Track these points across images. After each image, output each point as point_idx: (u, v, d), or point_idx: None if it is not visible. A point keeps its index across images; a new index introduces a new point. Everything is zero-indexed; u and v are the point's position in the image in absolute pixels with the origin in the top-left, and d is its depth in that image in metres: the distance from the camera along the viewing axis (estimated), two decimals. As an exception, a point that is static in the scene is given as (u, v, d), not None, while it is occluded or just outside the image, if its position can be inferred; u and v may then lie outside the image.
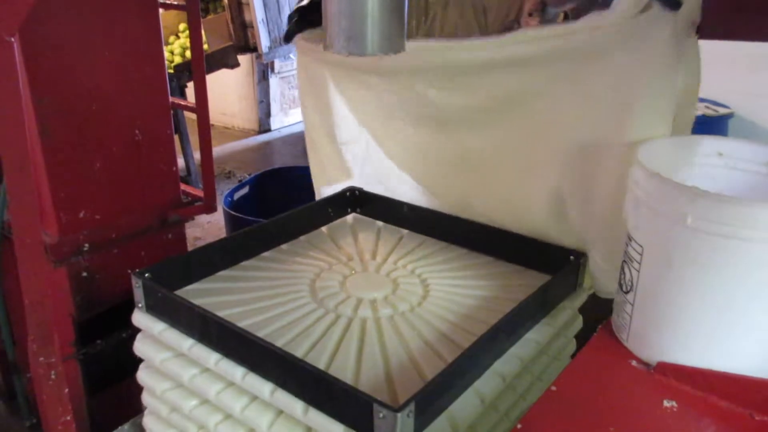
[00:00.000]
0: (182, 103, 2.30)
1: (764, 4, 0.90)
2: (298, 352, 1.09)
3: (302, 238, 1.56)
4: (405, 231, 1.60)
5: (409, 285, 1.36)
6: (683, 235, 0.90)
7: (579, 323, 1.28)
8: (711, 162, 1.09)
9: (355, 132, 1.68)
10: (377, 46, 1.07)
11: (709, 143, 1.09)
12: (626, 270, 1.02)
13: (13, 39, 1.15)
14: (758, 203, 0.86)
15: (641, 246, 0.97)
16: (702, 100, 3.44)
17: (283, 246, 1.52)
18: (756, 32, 0.99)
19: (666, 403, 0.92)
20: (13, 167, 1.26)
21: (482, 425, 1.02)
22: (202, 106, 2.03)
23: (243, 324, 1.14)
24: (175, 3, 2.16)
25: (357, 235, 1.60)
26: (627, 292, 1.02)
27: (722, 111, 3.33)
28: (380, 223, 1.65)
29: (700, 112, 3.31)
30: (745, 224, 0.85)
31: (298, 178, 3.53)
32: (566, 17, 1.54)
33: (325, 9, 1.09)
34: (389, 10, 1.08)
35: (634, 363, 1.01)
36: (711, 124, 3.29)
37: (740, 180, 1.08)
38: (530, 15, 1.59)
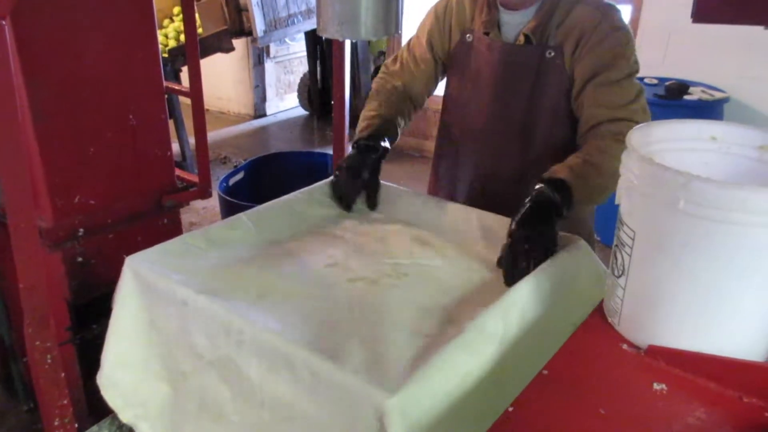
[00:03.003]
0: (176, 87, 2.29)
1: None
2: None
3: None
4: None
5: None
6: (675, 219, 0.90)
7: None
8: (704, 146, 1.09)
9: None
10: (371, 31, 1.07)
11: (702, 127, 1.09)
12: (618, 255, 1.03)
13: (4, 22, 1.14)
14: (749, 187, 0.86)
15: (633, 231, 0.98)
16: (698, 84, 3.44)
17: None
18: (748, 15, 0.98)
19: (656, 386, 0.93)
20: (7, 152, 1.25)
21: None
22: (196, 91, 2.02)
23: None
24: (169, -14, 2.15)
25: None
26: (619, 277, 1.03)
27: (718, 95, 3.34)
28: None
29: (696, 97, 3.31)
30: (736, 208, 0.86)
31: (293, 163, 3.54)
32: (527, 39, 1.51)
33: (318, -7, 1.08)
34: (383, -6, 1.07)
35: (625, 346, 1.02)
36: (707, 108, 3.30)
37: (733, 164, 1.08)
38: (486, 34, 1.56)
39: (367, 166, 1.56)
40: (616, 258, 1.04)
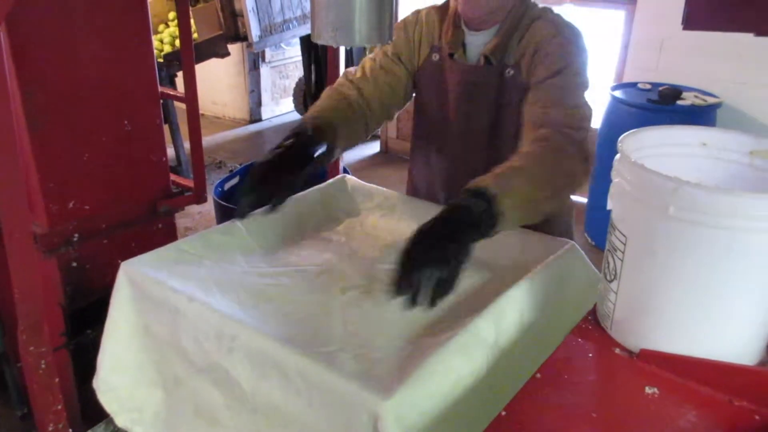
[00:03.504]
0: (171, 93, 2.29)
1: (746, -5, 0.91)
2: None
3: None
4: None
5: None
6: (666, 224, 0.91)
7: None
8: (695, 152, 1.11)
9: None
10: (365, 38, 1.08)
11: (692, 133, 1.10)
12: (610, 259, 1.04)
13: (-1, 29, 1.14)
14: (738, 193, 0.87)
15: (625, 236, 0.99)
16: (690, 89, 3.47)
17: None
18: (739, 23, 1.00)
19: (648, 390, 0.94)
20: (2, 159, 1.26)
21: None
22: (191, 97, 2.03)
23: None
24: (164, -8, 2.15)
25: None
26: (611, 281, 1.04)
27: (710, 100, 3.36)
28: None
29: (689, 102, 3.33)
30: (725, 214, 0.86)
31: (289, 167, 3.53)
32: (487, 61, 1.51)
33: (312, 0, 1.09)
34: (377, 1, 1.08)
35: (617, 350, 1.03)
36: (700, 113, 3.32)
37: (724, 169, 1.09)
38: (451, 56, 1.55)
39: (294, 161, 1.39)
40: (608, 262, 1.05)
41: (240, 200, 1.34)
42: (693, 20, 1.00)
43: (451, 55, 1.55)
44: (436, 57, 1.58)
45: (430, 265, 1.04)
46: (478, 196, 1.13)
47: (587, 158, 1.34)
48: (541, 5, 1.53)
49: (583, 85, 1.42)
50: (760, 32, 1.01)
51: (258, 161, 1.38)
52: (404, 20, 1.66)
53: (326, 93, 1.62)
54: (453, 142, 1.63)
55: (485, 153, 1.59)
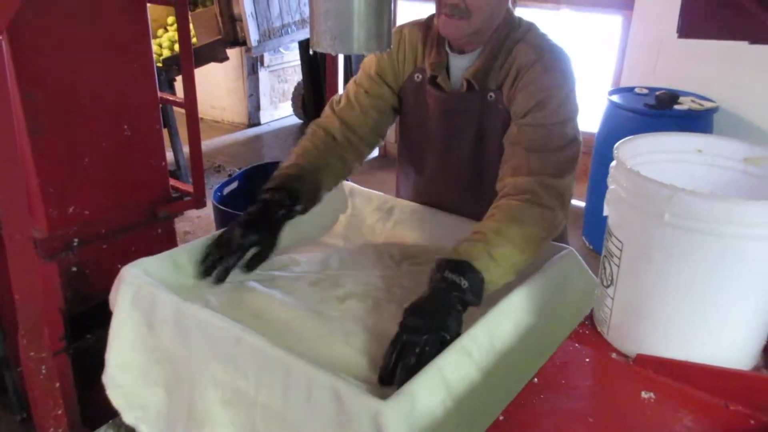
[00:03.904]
0: (171, 98, 2.30)
1: (740, 4, 0.92)
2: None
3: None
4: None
5: None
6: (661, 230, 0.92)
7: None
8: (690, 158, 1.12)
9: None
10: (363, 45, 1.09)
11: (688, 140, 1.11)
12: (607, 265, 1.05)
13: (1, 37, 1.15)
14: (732, 200, 0.88)
15: (621, 242, 1.00)
16: (688, 94, 3.48)
17: None
18: (734, 31, 1.01)
19: (644, 394, 0.95)
20: (2, 163, 1.26)
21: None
22: (190, 102, 2.04)
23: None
24: (164, -2, 2.16)
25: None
26: (607, 287, 1.05)
27: (708, 105, 3.38)
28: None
29: (686, 106, 3.35)
30: (720, 220, 0.88)
31: (288, 172, 3.54)
32: (469, 85, 1.46)
33: (311, 8, 1.10)
34: (375, 9, 1.09)
35: (614, 355, 1.04)
36: (696, 118, 3.34)
37: (719, 176, 1.11)
38: (434, 79, 1.49)
39: (267, 223, 1.39)
40: (604, 268, 1.06)
41: (219, 263, 1.35)
42: (688, 29, 1.01)
43: (434, 78, 1.50)
44: (418, 77, 1.53)
45: (422, 347, 1.06)
46: (464, 271, 1.16)
47: (565, 205, 1.34)
48: (526, 22, 1.48)
49: (568, 117, 1.38)
50: (754, 40, 1.02)
51: (232, 225, 1.39)
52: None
53: (310, 131, 1.59)
54: (434, 164, 1.60)
55: (468, 175, 1.57)
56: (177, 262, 1.37)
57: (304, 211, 1.45)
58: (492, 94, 1.45)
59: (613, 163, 1.01)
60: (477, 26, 1.40)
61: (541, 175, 1.31)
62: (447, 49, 1.50)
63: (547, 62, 1.39)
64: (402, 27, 1.58)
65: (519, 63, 1.40)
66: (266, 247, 1.39)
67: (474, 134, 1.50)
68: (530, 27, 1.47)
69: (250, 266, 1.39)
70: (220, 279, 1.35)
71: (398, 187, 1.82)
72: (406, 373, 1.03)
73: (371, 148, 1.64)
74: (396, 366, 1.05)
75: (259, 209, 1.40)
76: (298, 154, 1.52)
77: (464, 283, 1.15)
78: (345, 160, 1.56)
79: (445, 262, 1.19)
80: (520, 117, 1.39)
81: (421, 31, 1.54)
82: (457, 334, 1.10)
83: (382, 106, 1.58)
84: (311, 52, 5.22)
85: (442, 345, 1.07)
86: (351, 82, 1.63)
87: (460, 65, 1.49)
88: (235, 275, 1.39)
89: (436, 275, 1.18)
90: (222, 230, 1.41)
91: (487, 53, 1.44)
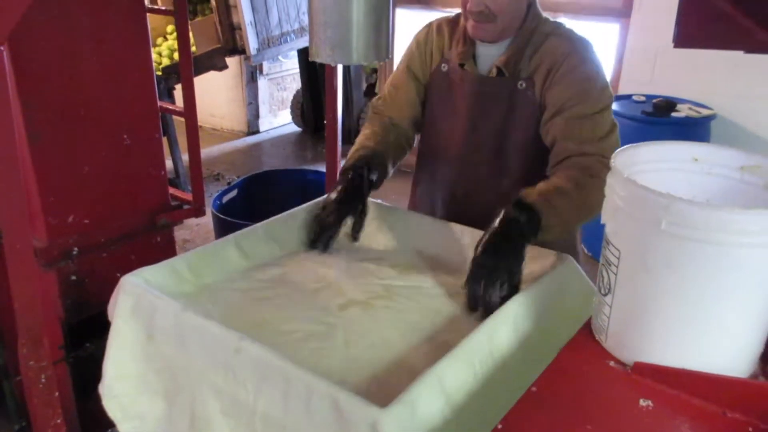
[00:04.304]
0: (170, 107, 2.31)
1: (736, 14, 0.93)
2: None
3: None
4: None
5: None
6: (658, 239, 0.92)
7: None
8: (687, 167, 1.12)
9: None
10: (362, 56, 1.10)
11: (684, 148, 1.12)
12: (604, 273, 1.05)
13: (2, 48, 1.16)
14: (728, 209, 0.89)
15: (618, 250, 1.00)
16: (685, 101, 3.50)
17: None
18: (727, 41, 1.02)
19: (642, 402, 0.95)
20: (3, 172, 1.27)
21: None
22: (190, 111, 2.05)
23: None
24: (163, 8, 2.18)
25: None
26: (605, 295, 1.05)
27: (705, 112, 3.39)
28: None
29: (683, 114, 3.36)
30: (716, 228, 0.88)
31: (287, 180, 3.56)
32: (499, 72, 1.55)
33: (310, 19, 1.11)
34: (374, 20, 1.10)
35: (612, 363, 1.04)
36: (694, 125, 3.35)
37: (716, 184, 1.11)
38: (462, 65, 1.60)
39: (356, 197, 1.52)
40: (602, 276, 1.06)
41: (322, 234, 1.51)
42: (684, 39, 1.02)
43: (461, 65, 1.59)
44: (444, 67, 1.63)
45: (497, 279, 1.21)
46: (524, 209, 1.28)
47: None
48: (552, 20, 1.57)
49: (607, 105, 1.48)
50: (749, 50, 1.03)
51: (324, 200, 1.54)
52: (416, 36, 1.71)
53: (363, 129, 1.73)
54: (460, 152, 1.66)
55: (491, 163, 1.62)
56: (177, 270, 1.37)
57: (378, 184, 1.58)
58: (523, 82, 1.52)
59: (610, 172, 1.02)
60: (503, 26, 1.51)
61: (598, 156, 1.41)
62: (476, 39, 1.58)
63: (581, 53, 1.48)
64: (431, 22, 1.70)
65: (552, 55, 1.49)
66: (359, 214, 1.53)
67: (501, 120, 1.57)
68: (557, 22, 1.56)
69: (354, 237, 1.55)
70: (326, 247, 1.52)
71: (415, 185, 1.86)
72: (483, 301, 1.20)
73: (413, 139, 1.78)
74: (484, 293, 1.21)
75: (344, 186, 1.52)
76: (366, 135, 1.66)
77: (523, 219, 1.27)
78: (398, 141, 1.71)
79: (512, 203, 1.30)
80: (559, 109, 1.46)
81: (448, 25, 1.65)
82: (521, 268, 1.25)
83: (412, 99, 1.71)
84: (310, 61, 5.22)
85: (511, 276, 1.23)
86: (387, 83, 1.77)
87: (488, 53, 1.57)
88: (236, 283, 1.39)
89: (503, 214, 1.28)
90: (317, 209, 1.55)
91: (518, 42, 1.53)
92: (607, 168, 1.35)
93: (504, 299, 1.21)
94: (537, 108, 1.52)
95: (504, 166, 1.61)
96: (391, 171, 1.65)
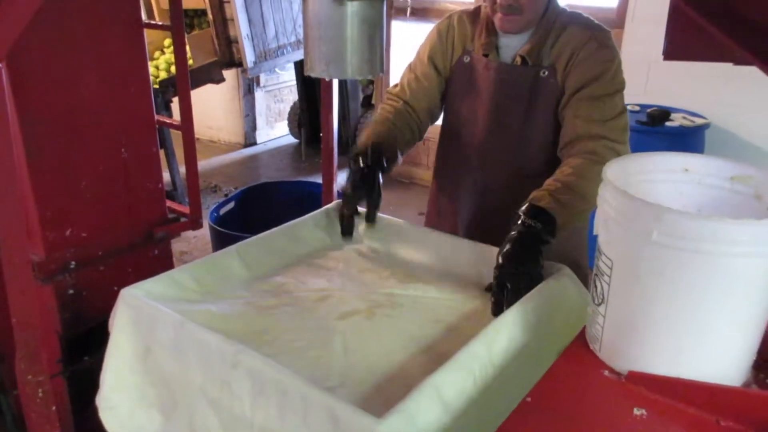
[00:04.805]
0: (168, 121, 2.32)
1: (716, 32, 0.95)
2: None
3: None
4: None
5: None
6: (649, 249, 0.94)
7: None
8: (678, 177, 1.13)
9: None
10: (356, 70, 1.11)
11: (675, 159, 1.13)
12: (597, 283, 1.06)
13: (1, 65, 1.17)
14: (718, 219, 0.90)
15: (611, 260, 1.01)
16: (679, 110, 3.52)
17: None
18: (717, 54, 1.03)
19: (636, 411, 0.96)
20: (1, 187, 1.28)
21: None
22: (187, 125, 2.06)
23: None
24: (161, 24, 2.19)
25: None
26: (599, 305, 1.06)
27: (699, 121, 3.41)
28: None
29: (677, 123, 3.38)
30: (707, 239, 0.89)
31: (284, 192, 3.57)
32: (523, 61, 1.60)
33: (305, 34, 1.13)
34: (368, 35, 1.12)
35: (606, 373, 1.05)
36: (688, 134, 3.37)
37: (707, 194, 1.12)
38: (486, 56, 1.65)
39: (367, 182, 1.56)
40: (596, 286, 1.08)
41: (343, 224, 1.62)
42: (673, 51, 1.03)
43: (485, 56, 1.64)
44: (467, 59, 1.68)
45: (521, 285, 1.28)
46: (538, 213, 1.35)
47: None
48: (569, 10, 1.63)
49: (618, 89, 1.56)
50: (737, 62, 1.05)
51: (346, 182, 1.59)
52: (437, 27, 1.75)
53: (376, 113, 1.78)
54: (483, 141, 1.70)
55: (514, 152, 1.66)
56: (178, 281, 1.38)
57: (389, 167, 1.60)
58: (545, 70, 1.58)
59: (602, 184, 1.03)
60: (529, 18, 1.58)
61: (604, 139, 1.48)
62: (498, 30, 1.63)
63: (600, 39, 1.55)
64: (451, 14, 1.74)
65: (573, 43, 1.55)
66: (374, 197, 1.58)
67: (524, 108, 1.62)
68: (576, 12, 1.63)
69: (370, 219, 1.62)
70: (346, 233, 1.63)
71: (437, 175, 1.90)
72: (514, 297, 1.26)
73: (425, 127, 1.81)
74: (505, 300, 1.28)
75: (354, 173, 1.57)
76: (379, 120, 1.71)
77: (539, 225, 1.33)
78: (413, 130, 1.74)
79: (522, 210, 1.36)
80: (575, 90, 1.53)
81: (469, 17, 1.70)
82: (541, 274, 1.33)
83: (431, 88, 1.74)
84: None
85: (531, 282, 1.29)
86: (406, 69, 1.79)
87: (511, 44, 1.63)
88: (238, 293, 1.40)
89: (517, 222, 1.35)
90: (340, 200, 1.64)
91: (540, 33, 1.59)
92: (612, 151, 1.46)
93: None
94: (558, 95, 1.58)
95: (526, 152, 1.66)
96: (401, 158, 1.68)
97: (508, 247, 1.32)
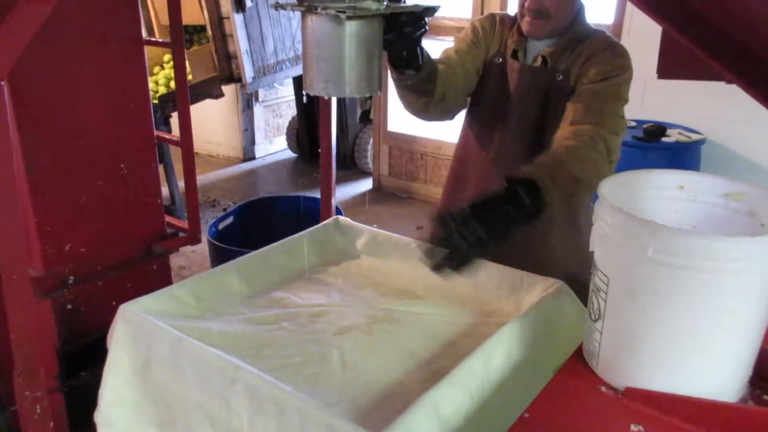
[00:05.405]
0: (167, 137, 2.33)
1: (704, 56, 0.96)
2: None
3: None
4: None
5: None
6: (645, 266, 0.94)
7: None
8: (673, 195, 1.15)
9: None
10: (355, 89, 1.13)
11: (670, 176, 1.14)
12: (594, 299, 1.07)
13: (2, 83, 1.18)
14: (712, 236, 0.91)
15: (607, 277, 1.02)
16: (675, 126, 3.54)
17: None
18: (709, 73, 1.05)
19: (633, 427, 0.96)
20: (1, 202, 1.28)
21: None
22: (186, 141, 2.07)
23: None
24: (161, 41, 2.21)
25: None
26: (595, 321, 1.07)
27: (695, 137, 3.44)
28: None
29: (673, 138, 3.40)
30: (702, 256, 0.90)
31: (283, 207, 3.57)
32: (544, 61, 1.65)
33: (304, 53, 1.14)
34: (366, 54, 1.13)
35: (603, 389, 1.05)
36: (684, 150, 3.39)
37: (701, 212, 1.14)
38: (514, 54, 1.72)
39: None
40: (592, 303, 1.08)
41: None
42: (665, 71, 1.05)
43: (515, 53, 1.71)
44: (498, 60, 1.74)
45: (462, 238, 1.16)
46: (529, 190, 1.26)
47: (612, 162, 1.49)
48: (594, 27, 1.69)
49: (623, 98, 1.59)
50: (729, 81, 1.06)
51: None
52: (480, 21, 1.80)
53: None
54: (499, 144, 1.75)
55: (527, 152, 1.67)
56: (178, 297, 1.39)
57: (423, 67, 1.49)
58: (560, 74, 1.64)
59: (598, 201, 1.04)
60: (554, 25, 1.64)
61: (597, 127, 1.49)
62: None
63: (617, 51, 1.60)
64: (494, 13, 1.83)
65: (591, 49, 1.61)
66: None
67: (539, 109, 1.67)
68: (600, 30, 1.69)
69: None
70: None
71: (455, 165, 1.90)
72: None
73: (455, 98, 1.73)
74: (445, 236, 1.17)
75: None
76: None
77: (528, 201, 1.25)
78: (444, 85, 1.65)
79: (516, 179, 1.28)
80: (582, 85, 1.57)
81: (508, 21, 1.77)
82: (496, 238, 1.19)
83: (470, 73, 1.75)
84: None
85: (479, 240, 1.17)
86: (445, 50, 1.78)
87: (536, 48, 1.70)
88: (237, 308, 1.40)
89: (505, 188, 1.27)
90: None
91: (564, 40, 1.65)
92: (604, 141, 1.45)
93: (463, 259, 1.18)
94: (570, 97, 1.62)
95: (539, 151, 1.65)
96: (433, 87, 1.61)
97: (482, 203, 1.22)
